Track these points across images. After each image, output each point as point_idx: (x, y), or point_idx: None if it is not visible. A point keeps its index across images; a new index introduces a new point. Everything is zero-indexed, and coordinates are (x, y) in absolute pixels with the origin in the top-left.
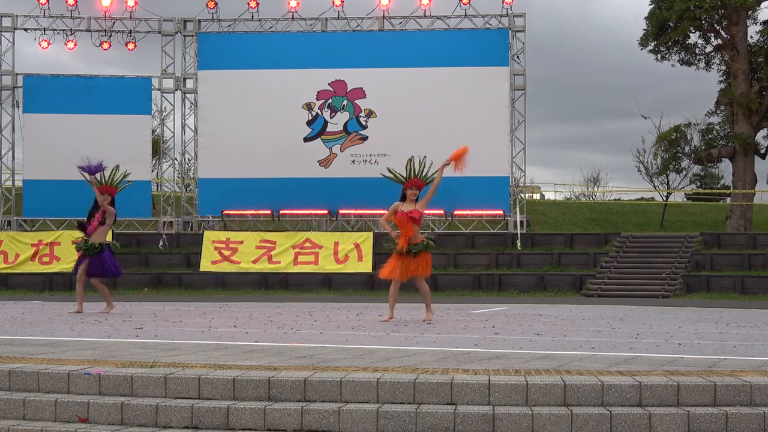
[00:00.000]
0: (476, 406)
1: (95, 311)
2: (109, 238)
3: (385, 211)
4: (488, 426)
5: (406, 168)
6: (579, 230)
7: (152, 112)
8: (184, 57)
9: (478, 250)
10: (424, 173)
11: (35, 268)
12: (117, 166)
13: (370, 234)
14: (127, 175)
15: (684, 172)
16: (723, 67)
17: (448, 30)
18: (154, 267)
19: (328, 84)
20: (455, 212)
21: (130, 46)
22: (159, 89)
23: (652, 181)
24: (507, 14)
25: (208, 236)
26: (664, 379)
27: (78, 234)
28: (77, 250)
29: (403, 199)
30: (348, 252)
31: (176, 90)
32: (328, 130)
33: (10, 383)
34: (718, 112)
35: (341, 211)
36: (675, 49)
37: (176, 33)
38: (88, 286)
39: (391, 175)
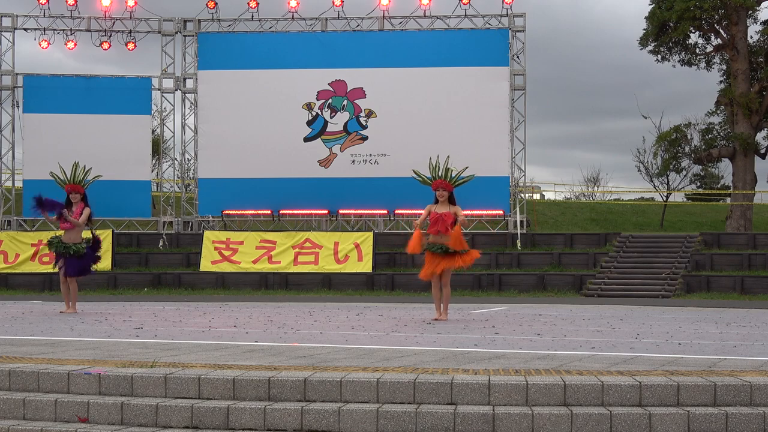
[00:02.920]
0: (476, 406)
1: (93, 311)
2: (86, 234)
3: (385, 211)
4: (488, 426)
5: (429, 170)
6: (579, 230)
7: (152, 112)
8: (184, 57)
9: (478, 250)
10: (448, 175)
11: (35, 268)
12: (76, 163)
13: (370, 234)
14: (88, 172)
15: (684, 172)
16: (723, 67)
17: (448, 30)
18: (154, 267)
19: (328, 84)
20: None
21: (130, 46)
22: (159, 89)
23: (652, 181)
24: (507, 14)
25: (208, 236)
26: (664, 379)
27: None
28: (49, 248)
29: (436, 201)
30: (348, 252)
31: (176, 90)
32: (328, 130)
33: (10, 383)
34: (718, 112)
35: (341, 211)
36: (675, 49)
37: (176, 33)
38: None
39: (419, 177)
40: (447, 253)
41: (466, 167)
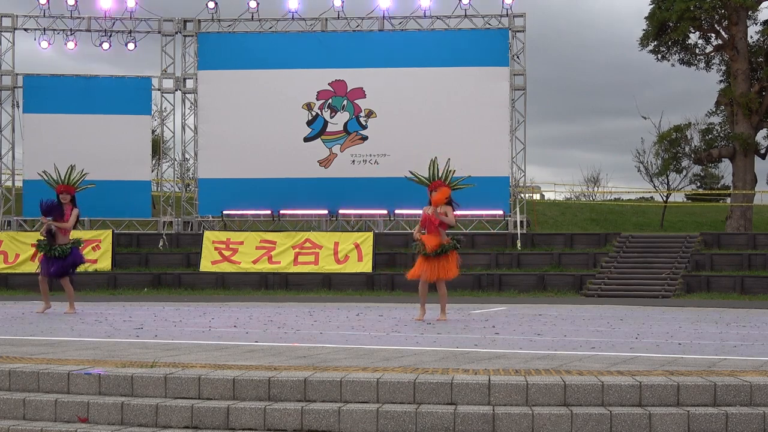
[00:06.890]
0: (476, 406)
1: (93, 311)
2: (74, 235)
3: (385, 211)
4: (488, 426)
5: (428, 169)
6: (579, 230)
7: (152, 112)
8: (184, 57)
9: (478, 250)
10: (447, 177)
11: (35, 268)
12: (73, 166)
13: (370, 234)
14: (84, 175)
15: (684, 172)
16: (723, 67)
17: (448, 30)
18: (154, 267)
19: (328, 84)
20: (455, 212)
21: (130, 46)
22: (159, 89)
23: (652, 181)
24: (507, 14)
25: (208, 236)
26: (664, 379)
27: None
28: (39, 251)
29: (430, 202)
30: (348, 252)
31: (176, 90)
32: (328, 130)
33: (10, 383)
34: (718, 112)
35: (341, 211)
36: (675, 49)
37: (176, 33)
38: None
39: (415, 178)
40: (438, 256)
41: (469, 175)
